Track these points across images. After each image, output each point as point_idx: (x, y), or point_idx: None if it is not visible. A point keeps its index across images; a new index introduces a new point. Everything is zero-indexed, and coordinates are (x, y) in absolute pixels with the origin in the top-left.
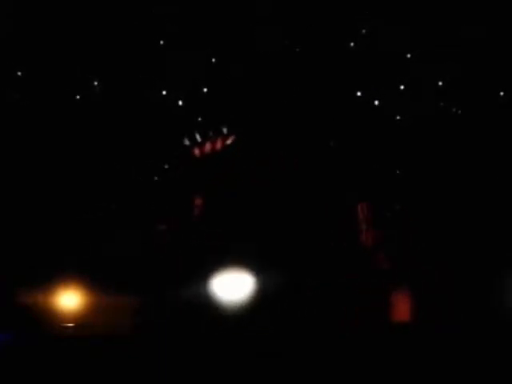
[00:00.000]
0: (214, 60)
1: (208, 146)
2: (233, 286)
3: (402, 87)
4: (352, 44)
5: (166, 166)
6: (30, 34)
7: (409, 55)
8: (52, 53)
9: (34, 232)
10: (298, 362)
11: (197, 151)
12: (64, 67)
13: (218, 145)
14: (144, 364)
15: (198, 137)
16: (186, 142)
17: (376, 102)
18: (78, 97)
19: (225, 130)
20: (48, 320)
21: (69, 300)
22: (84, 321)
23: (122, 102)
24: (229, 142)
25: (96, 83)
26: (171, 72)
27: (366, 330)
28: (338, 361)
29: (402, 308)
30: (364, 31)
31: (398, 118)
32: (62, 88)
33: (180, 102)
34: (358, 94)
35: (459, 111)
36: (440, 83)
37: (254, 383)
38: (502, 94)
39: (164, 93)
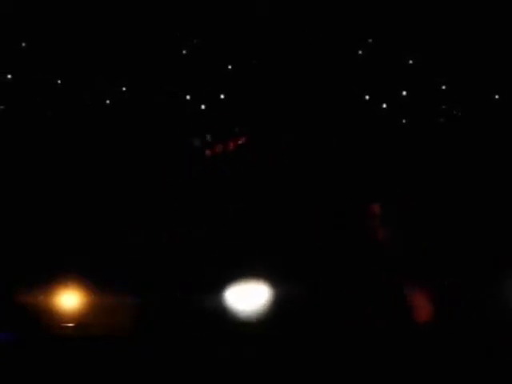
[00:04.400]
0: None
1: (219, 147)
2: (248, 297)
3: (404, 92)
4: (360, 52)
5: (173, 168)
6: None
7: (411, 61)
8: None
9: (34, 232)
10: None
11: (208, 152)
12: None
13: (231, 145)
14: (144, 364)
15: (208, 137)
16: (197, 143)
17: (384, 105)
18: (85, 95)
19: (237, 130)
20: (48, 320)
21: (69, 300)
22: (84, 321)
23: (128, 101)
24: (241, 142)
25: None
26: (180, 71)
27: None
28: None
29: (413, 305)
30: (370, 40)
31: (404, 121)
32: (67, 88)
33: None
34: (367, 97)
35: (460, 113)
36: (443, 87)
37: None
38: (499, 96)
39: (172, 93)
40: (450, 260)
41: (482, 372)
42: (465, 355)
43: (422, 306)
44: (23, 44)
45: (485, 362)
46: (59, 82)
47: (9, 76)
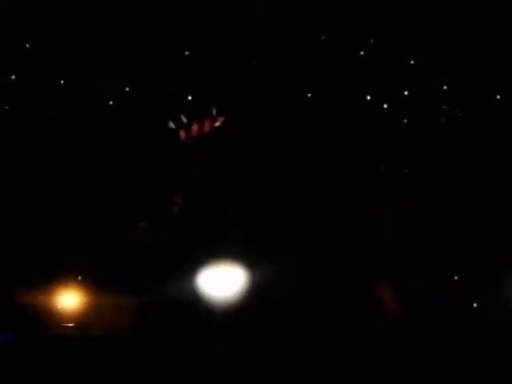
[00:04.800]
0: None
1: (195, 129)
2: (222, 280)
3: (406, 92)
4: (362, 53)
5: (147, 155)
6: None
7: (412, 61)
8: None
9: (34, 232)
10: (294, 359)
11: (183, 134)
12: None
13: (207, 127)
14: (144, 364)
15: (183, 119)
16: (171, 125)
17: (385, 106)
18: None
19: (214, 111)
20: (48, 320)
21: (69, 300)
22: (84, 321)
23: (129, 101)
24: (218, 123)
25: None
26: (182, 71)
27: (366, 326)
28: (335, 357)
29: (412, 305)
30: (372, 40)
31: (405, 120)
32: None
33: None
34: (368, 97)
35: (460, 113)
36: (444, 87)
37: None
38: (501, 96)
39: (173, 93)
40: (450, 260)
41: (482, 372)
42: (465, 355)
43: (421, 306)
44: (27, 45)
45: (485, 362)
46: (62, 82)
47: (13, 77)
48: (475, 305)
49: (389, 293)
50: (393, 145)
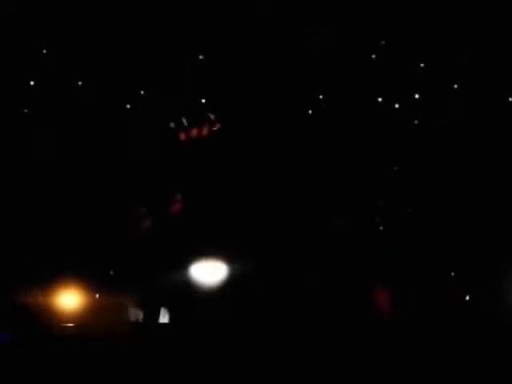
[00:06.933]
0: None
1: (194, 132)
2: (209, 273)
3: (416, 95)
4: (373, 56)
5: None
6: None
7: (422, 64)
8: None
9: (34, 232)
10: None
11: (182, 136)
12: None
13: (205, 131)
14: (143, 363)
15: (184, 121)
16: (172, 126)
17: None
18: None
19: (212, 117)
20: (48, 320)
21: (69, 300)
22: (84, 321)
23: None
24: (215, 128)
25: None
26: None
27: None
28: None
29: (412, 305)
30: (383, 42)
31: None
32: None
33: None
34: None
35: (469, 115)
36: (455, 86)
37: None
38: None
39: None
40: (450, 260)
41: (482, 372)
42: (465, 355)
43: (421, 307)
44: (44, 51)
45: (485, 362)
46: (79, 83)
47: (32, 83)
48: (475, 305)
49: (384, 295)
50: (396, 146)
